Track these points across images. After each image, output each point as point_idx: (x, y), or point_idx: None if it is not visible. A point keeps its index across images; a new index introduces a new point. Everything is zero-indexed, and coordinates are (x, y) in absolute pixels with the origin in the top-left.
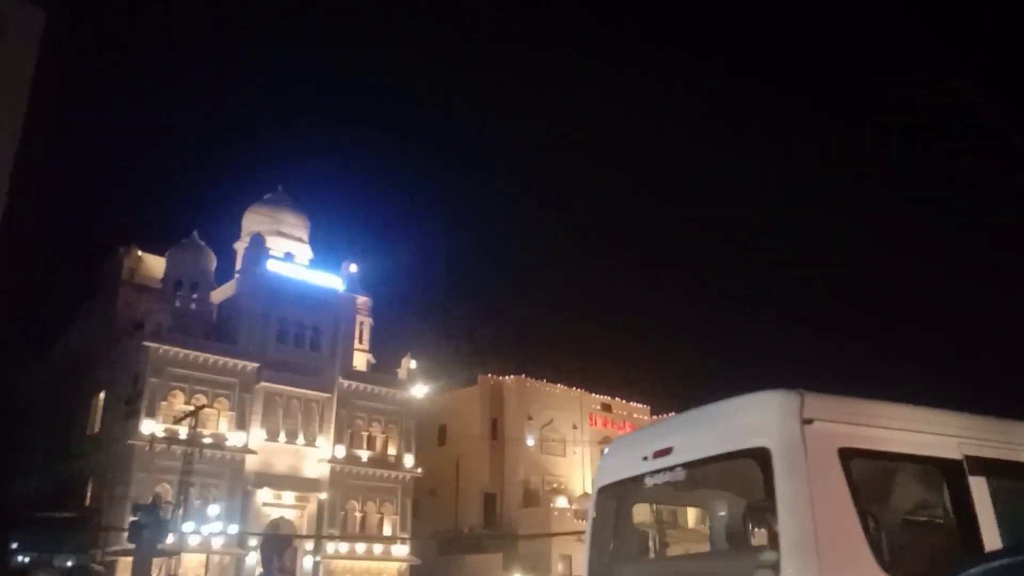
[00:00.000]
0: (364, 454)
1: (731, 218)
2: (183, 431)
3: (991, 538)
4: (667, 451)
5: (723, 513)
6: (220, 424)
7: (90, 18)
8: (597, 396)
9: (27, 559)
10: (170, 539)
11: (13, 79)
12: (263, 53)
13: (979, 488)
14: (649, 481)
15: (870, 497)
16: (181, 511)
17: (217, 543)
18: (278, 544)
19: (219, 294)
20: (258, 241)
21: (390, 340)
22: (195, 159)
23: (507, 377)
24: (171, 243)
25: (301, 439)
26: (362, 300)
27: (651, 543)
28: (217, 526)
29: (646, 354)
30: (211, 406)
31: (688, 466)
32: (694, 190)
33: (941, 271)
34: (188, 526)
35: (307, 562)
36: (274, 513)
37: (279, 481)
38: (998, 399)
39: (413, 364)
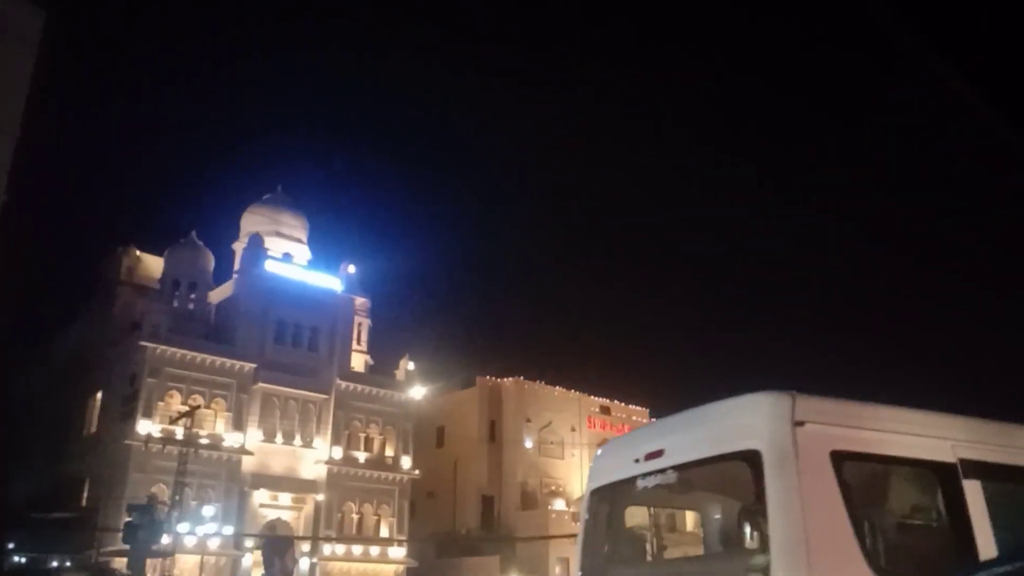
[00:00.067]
0: (361, 455)
1: (729, 219)
2: (180, 431)
3: (985, 542)
4: (658, 453)
5: (718, 516)
6: (217, 425)
7: (89, 18)
8: (596, 398)
9: (23, 559)
10: (166, 540)
11: (12, 79)
12: (263, 54)
13: (974, 492)
14: (641, 484)
15: (863, 500)
16: (177, 512)
17: (213, 544)
18: (279, 545)
19: (217, 294)
20: (256, 241)
21: (388, 341)
22: (194, 159)
23: (505, 379)
24: (170, 243)
25: (298, 440)
26: (360, 301)
27: (648, 546)
28: (212, 527)
29: (646, 356)
30: (208, 406)
31: (679, 468)
32: (692, 191)
33: (938, 272)
34: (183, 527)
35: (303, 564)
36: (271, 514)
37: (276, 482)
38: (994, 402)
39: (411, 365)
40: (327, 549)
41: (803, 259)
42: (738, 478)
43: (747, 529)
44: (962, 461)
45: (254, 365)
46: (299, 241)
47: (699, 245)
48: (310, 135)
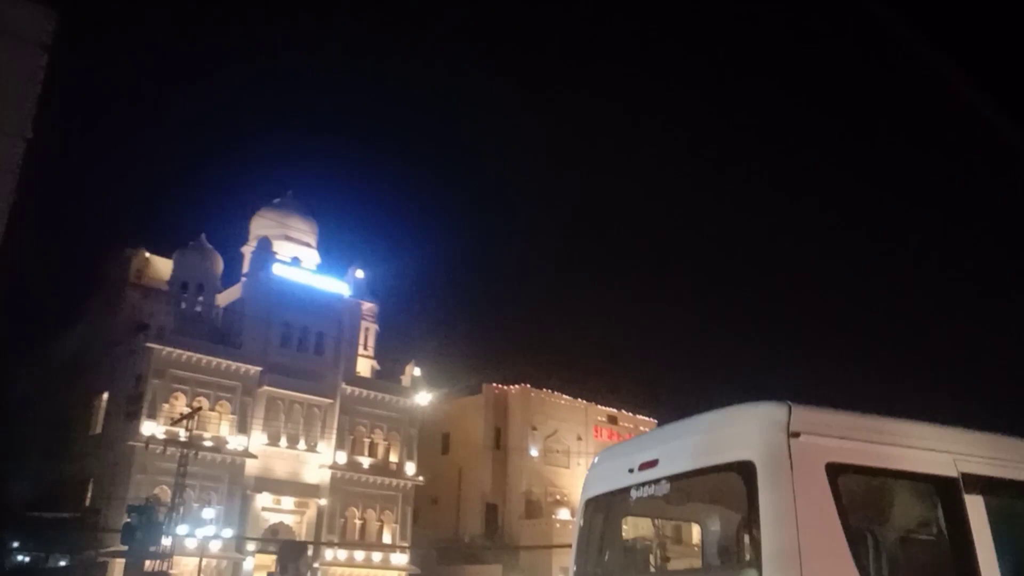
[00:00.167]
0: (365, 461)
1: (729, 220)
2: (184, 433)
3: (987, 559)
4: (653, 463)
5: (716, 528)
6: (221, 427)
7: (101, 18)
8: (602, 407)
9: (26, 558)
10: (167, 541)
11: (23, 80)
12: (274, 58)
13: (975, 507)
14: (635, 494)
15: (859, 514)
16: (177, 513)
17: (215, 547)
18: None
19: (224, 297)
20: (265, 245)
21: (395, 347)
22: (205, 162)
23: (512, 386)
24: (179, 245)
25: (302, 444)
26: (368, 306)
27: (651, 557)
28: (212, 529)
29: (654, 366)
30: (213, 409)
31: (673, 479)
32: (693, 194)
33: (941, 277)
34: (182, 529)
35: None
36: (273, 518)
37: (279, 486)
38: (999, 414)
39: (417, 371)
40: (329, 554)
41: (817, 273)
42: (735, 489)
43: (745, 542)
44: (964, 475)
45: (259, 368)
46: (308, 245)
47: (710, 255)
48: (321, 139)
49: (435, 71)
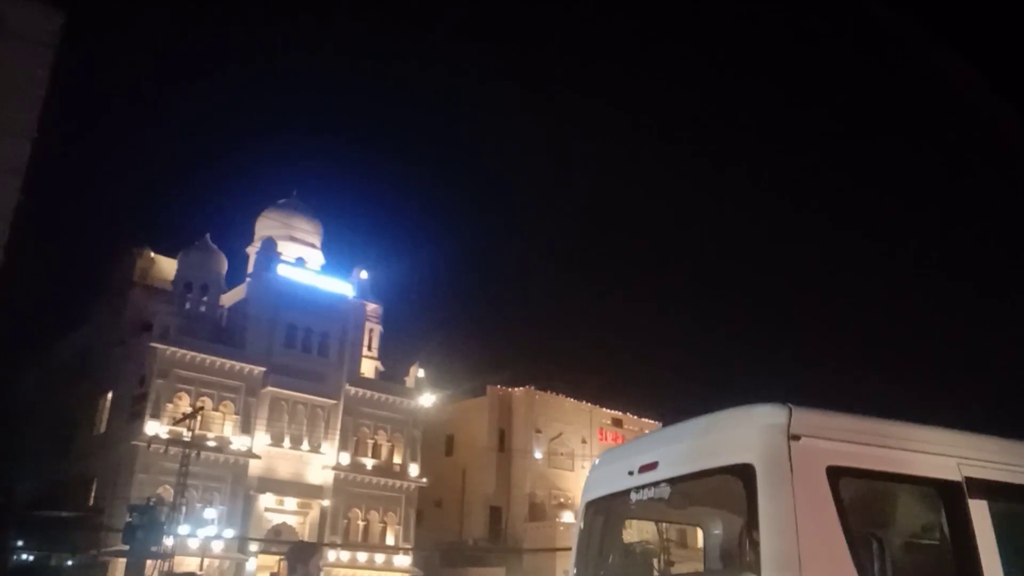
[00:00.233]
0: (369, 462)
1: (740, 227)
2: (187, 433)
3: (991, 565)
4: (652, 466)
5: (717, 532)
6: (225, 427)
7: (107, 19)
8: (607, 410)
9: (30, 557)
10: (169, 541)
11: (30, 81)
12: (275, 59)
13: (980, 512)
14: (635, 497)
15: (860, 518)
16: (180, 513)
17: (217, 547)
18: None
19: (229, 297)
20: (270, 245)
21: (399, 348)
22: (210, 163)
23: (516, 388)
24: (183, 245)
25: (306, 445)
26: (372, 307)
27: (654, 561)
28: (213, 529)
29: (658, 368)
30: (216, 409)
31: (673, 482)
32: (694, 196)
33: (943, 280)
34: (184, 529)
35: None
36: (276, 519)
37: (282, 486)
38: (1004, 418)
39: (421, 373)
40: (331, 555)
41: (804, 262)
42: (735, 493)
43: (747, 546)
44: (968, 480)
45: (263, 369)
46: (312, 246)
47: (704, 251)
48: (323, 140)
49: (435, 71)
